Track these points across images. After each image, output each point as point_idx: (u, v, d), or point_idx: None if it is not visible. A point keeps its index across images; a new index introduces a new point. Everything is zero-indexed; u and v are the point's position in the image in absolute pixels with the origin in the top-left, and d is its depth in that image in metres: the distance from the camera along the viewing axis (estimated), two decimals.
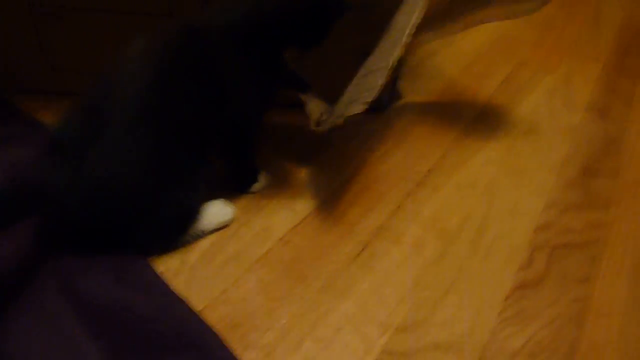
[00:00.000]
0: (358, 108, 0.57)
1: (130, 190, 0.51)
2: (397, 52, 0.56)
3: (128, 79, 0.52)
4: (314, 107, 0.69)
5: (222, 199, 0.63)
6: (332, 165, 0.73)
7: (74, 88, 0.54)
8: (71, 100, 0.53)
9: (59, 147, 0.53)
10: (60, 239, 0.53)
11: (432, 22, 0.68)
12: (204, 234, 0.60)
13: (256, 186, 0.67)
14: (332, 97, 0.69)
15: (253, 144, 0.65)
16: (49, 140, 0.54)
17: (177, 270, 0.56)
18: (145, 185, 0.52)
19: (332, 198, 0.69)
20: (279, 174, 0.71)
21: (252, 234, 0.62)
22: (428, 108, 0.91)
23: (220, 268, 0.57)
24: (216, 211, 0.61)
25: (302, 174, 0.72)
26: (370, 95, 0.57)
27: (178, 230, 0.57)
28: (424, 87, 0.97)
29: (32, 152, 0.65)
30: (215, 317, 0.51)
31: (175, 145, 0.53)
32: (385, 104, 0.87)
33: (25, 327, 0.46)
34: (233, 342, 0.50)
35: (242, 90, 0.59)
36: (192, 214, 0.58)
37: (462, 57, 1.08)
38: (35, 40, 0.72)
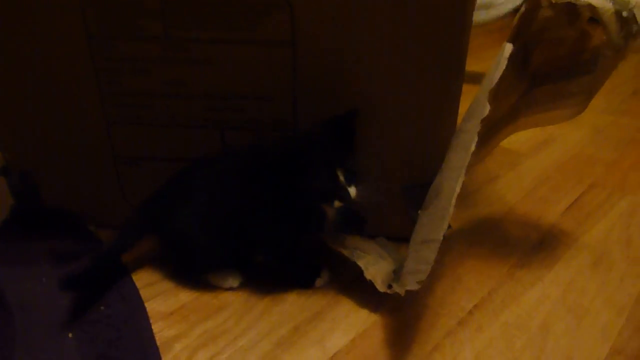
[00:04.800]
0: (412, 286, 0.59)
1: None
2: (445, 226, 0.58)
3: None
4: (375, 272, 0.72)
5: None
6: (371, 300, 0.72)
7: None
8: None
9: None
10: None
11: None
12: None
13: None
14: None
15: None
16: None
17: None
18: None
19: (363, 337, 0.67)
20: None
21: None
22: (482, 238, 0.88)
23: None
24: None
25: (340, 306, 0.72)
26: (424, 272, 0.58)
27: None
28: (480, 214, 0.94)
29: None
30: None
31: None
32: None
33: None
34: None
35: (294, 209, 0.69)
36: None
37: (526, 180, 1.05)
38: (116, 184, 0.84)
